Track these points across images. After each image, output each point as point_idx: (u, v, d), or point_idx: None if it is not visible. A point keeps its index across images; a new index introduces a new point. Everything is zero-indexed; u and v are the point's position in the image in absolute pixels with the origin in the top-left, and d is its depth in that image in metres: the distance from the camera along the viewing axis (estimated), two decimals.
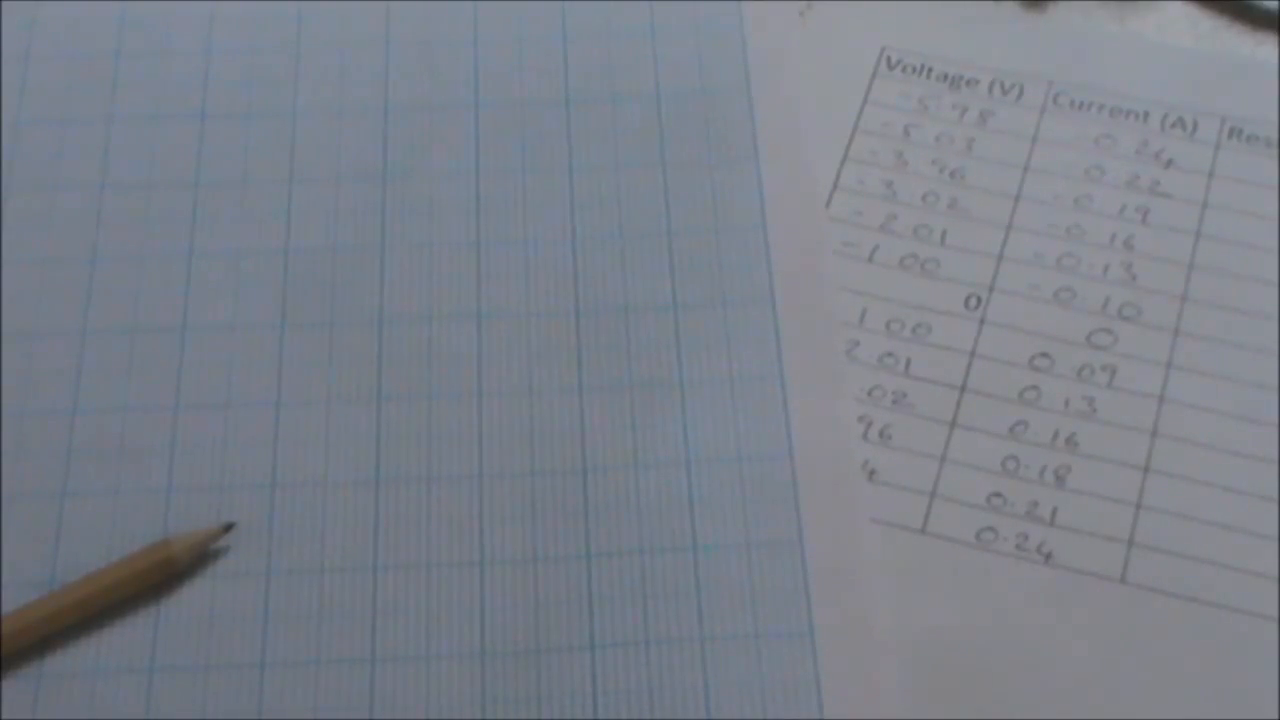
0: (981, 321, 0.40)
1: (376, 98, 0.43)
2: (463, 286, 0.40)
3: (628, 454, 0.38)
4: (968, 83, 0.44)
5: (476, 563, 0.37)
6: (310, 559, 0.37)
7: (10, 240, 0.41)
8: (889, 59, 0.44)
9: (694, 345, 0.39)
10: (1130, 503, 0.38)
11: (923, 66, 0.44)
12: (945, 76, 0.44)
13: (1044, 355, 0.40)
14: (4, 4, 0.45)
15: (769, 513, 0.37)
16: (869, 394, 0.39)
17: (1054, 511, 0.37)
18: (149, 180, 0.42)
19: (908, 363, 0.40)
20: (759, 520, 0.37)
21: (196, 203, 0.42)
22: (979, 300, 0.40)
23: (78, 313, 0.40)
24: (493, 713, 0.35)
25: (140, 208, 0.41)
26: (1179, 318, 0.40)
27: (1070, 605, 0.36)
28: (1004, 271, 0.41)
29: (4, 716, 0.35)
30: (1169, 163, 0.42)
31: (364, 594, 0.36)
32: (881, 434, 0.39)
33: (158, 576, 0.36)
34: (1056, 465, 0.38)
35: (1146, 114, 0.43)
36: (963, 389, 0.39)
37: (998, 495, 0.38)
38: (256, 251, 0.41)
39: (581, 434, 0.38)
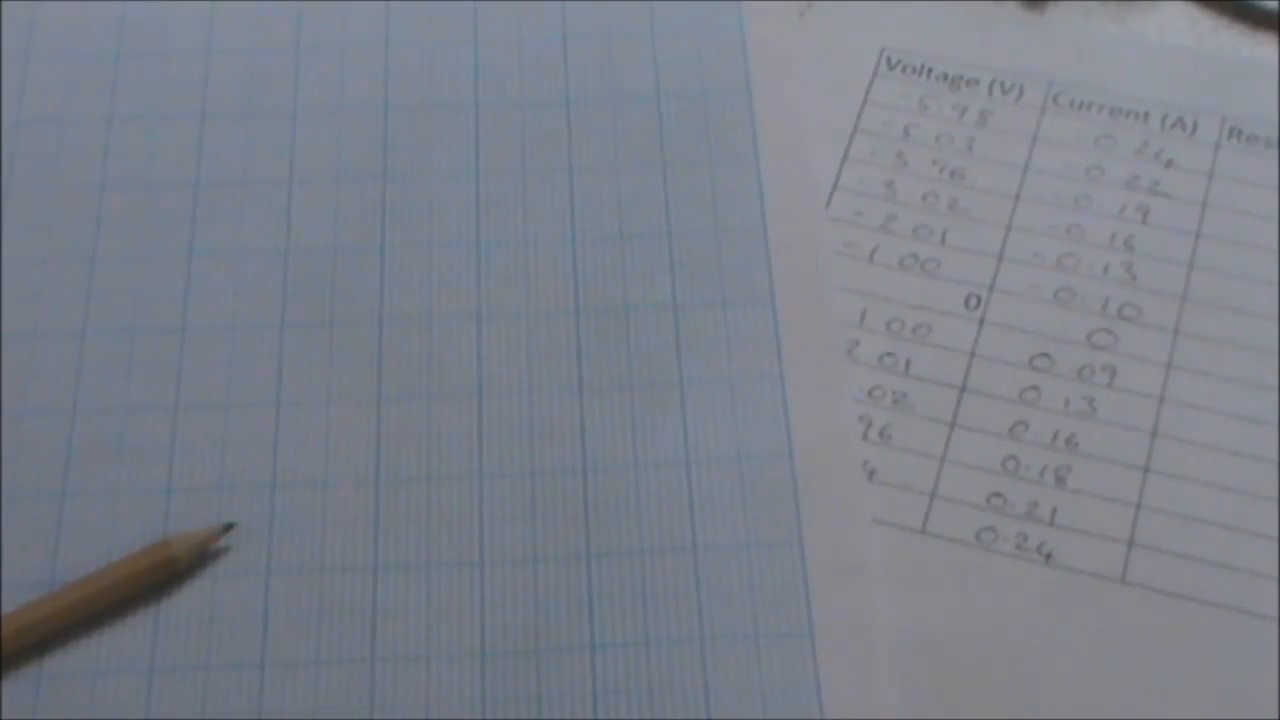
0: (981, 321, 0.40)
1: (376, 98, 0.43)
2: (463, 286, 0.40)
3: (628, 454, 0.38)
4: (968, 83, 0.44)
5: (476, 563, 0.37)
6: (310, 559, 0.37)
7: (10, 240, 0.41)
8: (889, 59, 0.44)
9: (694, 345, 0.39)
10: (1130, 503, 0.38)
11: (923, 66, 0.44)
12: (945, 76, 0.44)
13: (1044, 355, 0.40)
14: (4, 4, 0.45)
15: (769, 513, 0.37)
16: (869, 394, 0.39)
17: (1054, 511, 0.37)
18: (149, 180, 0.42)
19: (908, 363, 0.40)
20: (759, 520, 0.37)
21: (196, 203, 0.42)
22: (979, 300, 0.40)
23: (78, 313, 0.40)
24: (493, 713, 0.35)
25: (140, 208, 0.41)
26: (1179, 318, 0.40)
27: (1070, 605, 0.36)
28: (1004, 271, 0.41)
29: (4, 716, 0.35)
30: (1169, 163, 0.42)
31: (364, 594, 0.36)
32: (881, 434, 0.39)
33: (158, 576, 0.36)
34: (1056, 465, 0.38)
35: (1146, 114, 0.43)
36: (963, 389, 0.39)
37: (998, 495, 0.38)
38: (256, 251, 0.41)
39: (581, 434, 0.38)
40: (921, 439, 0.38)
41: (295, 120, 0.43)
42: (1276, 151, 0.42)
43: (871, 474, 0.38)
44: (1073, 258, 0.41)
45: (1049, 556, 0.37)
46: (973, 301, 0.40)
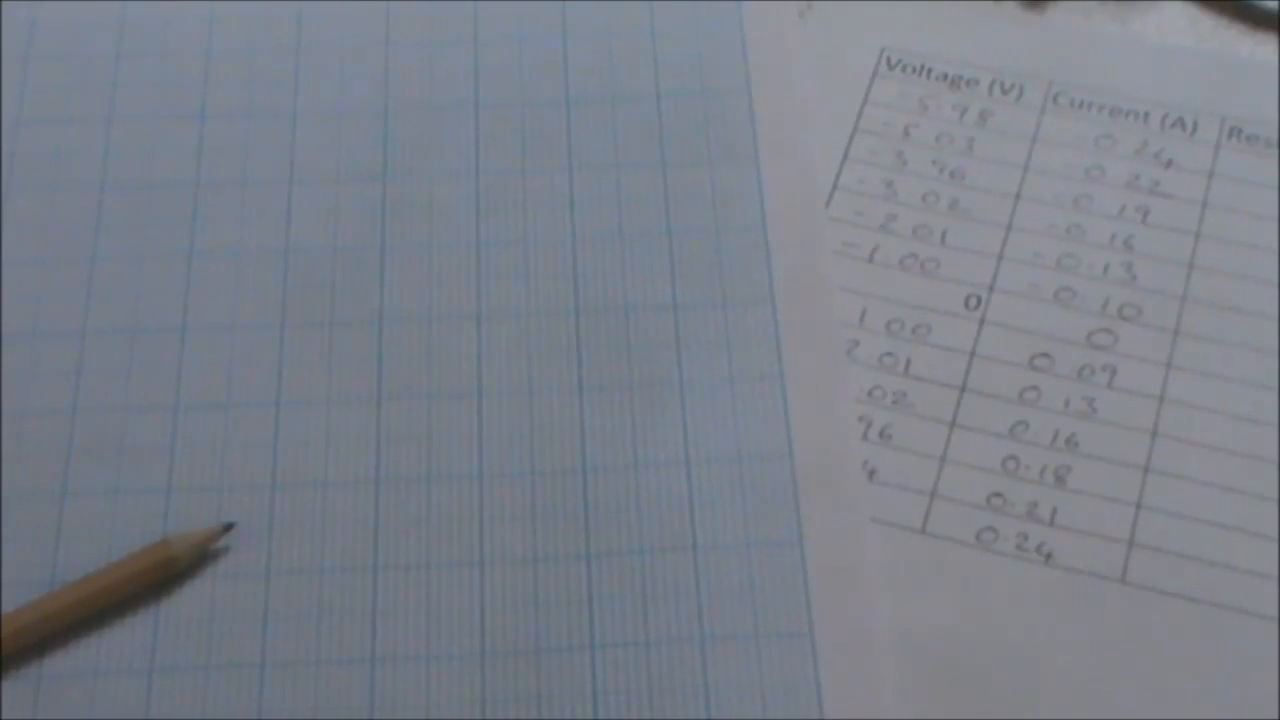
0: (981, 321, 0.40)
1: (376, 98, 0.43)
2: (463, 286, 0.40)
3: (628, 454, 0.38)
4: (968, 83, 0.44)
5: (476, 563, 0.37)
6: (310, 559, 0.37)
7: (10, 240, 0.41)
8: (889, 59, 0.44)
9: (694, 345, 0.39)
10: (1130, 503, 0.38)
11: (923, 66, 0.44)
12: (945, 76, 0.44)
13: (1044, 355, 0.40)
14: (4, 4, 0.45)
15: (769, 513, 0.37)
16: (869, 394, 0.39)
17: (1054, 511, 0.37)
18: (149, 180, 0.42)
19: (908, 363, 0.40)
20: (759, 520, 0.37)
21: (196, 203, 0.42)
22: (979, 300, 0.40)
23: (78, 313, 0.40)
24: (493, 713, 0.35)
25: (140, 208, 0.41)
26: (1179, 318, 0.40)
27: (1070, 605, 0.36)
28: (1004, 271, 0.41)
29: (4, 716, 0.35)
30: (1169, 163, 0.42)
31: (364, 594, 0.36)
32: (881, 434, 0.39)
33: (158, 576, 0.36)
34: (1056, 465, 0.38)
35: (1146, 114, 0.43)
36: (963, 389, 0.39)
37: (998, 495, 0.38)
38: (256, 251, 0.41)
39: (581, 434, 0.38)
40: (921, 439, 0.38)
41: (295, 120, 0.43)
42: (1276, 151, 0.42)
43: (871, 474, 0.38)
44: (1073, 258, 0.41)
45: (1049, 556, 0.37)
46: (973, 301, 0.40)
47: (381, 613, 0.36)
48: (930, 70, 0.44)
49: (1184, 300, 0.40)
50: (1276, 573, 0.36)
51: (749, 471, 0.38)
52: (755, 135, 0.42)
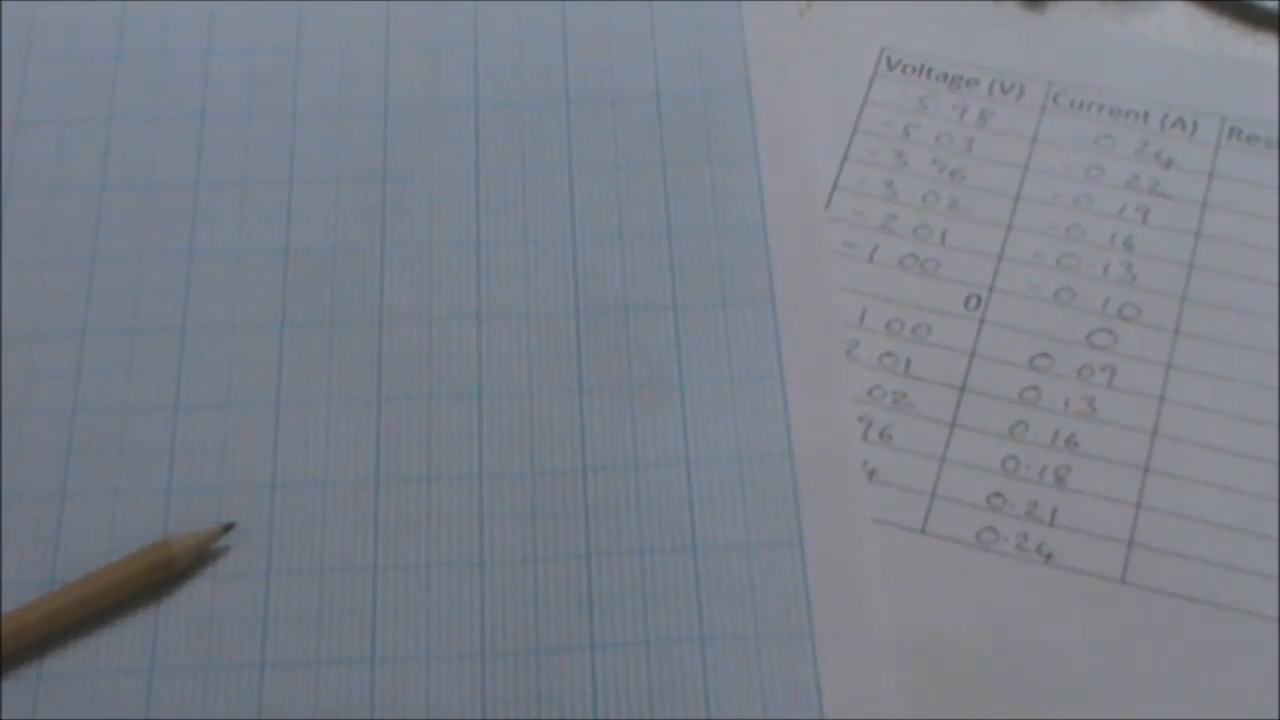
0: (981, 321, 0.40)
1: (376, 98, 0.43)
2: (463, 286, 0.40)
3: (628, 454, 0.38)
4: (968, 83, 0.44)
5: (476, 563, 0.37)
6: (310, 559, 0.37)
7: (10, 240, 0.41)
8: (889, 59, 0.44)
9: (694, 345, 0.39)
10: (1130, 503, 0.38)
11: (923, 66, 0.44)
12: (945, 76, 0.44)
13: (1044, 355, 0.40)
14: (4, 4, 0.45)
15: (769, 513, 0.37)
16: (869, 394, 0.39)
17: (1054, 511, 0.37)
18: (149, 180, 0.42)
19: (908, 363, 0.40)
20: (759, 520, 0.37)
21: (196, 203, 0.42)
22: (979, 300, 0.40)
23: (78, 313, 0.40)
24: (493, 713, 0.35)
25: (140, 208, 0.41)
26: (1179, 318, 0.40)
27: (1070, 605, 0.36)
28: (1004, 271, 0.41)
29: (4, 716, 0.35)
30: (1169, 163, 0.42)
31: (364, 594, 0.36)
32: (881, 434, 0.39)
33: (158, 576, 0.36)
34: (1056, 465, 0.38)
35: (1146, 114, 0.43)
36: (963, 389, 0.39)
37: (998, 495, 0.38)
38: (256, 251, 0.41)
39: (581, 434, 0.38)
40: (921, 439, 0.38)
41: (295, 120, 0.43)
42: (1276, 151, 0.42)
43: (871, 474, 0.38)
44: (1073, 258, 0.41)
45: (1049, 556, 0.37)
46: (973, 301, 0.40)
47: (381, 613, 0.36)
48: (930, 70, 0.44)
49: (1184, 300, 0.40)
50: (1276, 573, 0.36)
51: (749, 471, 0.38)
52: (755, 135, 0.42)
